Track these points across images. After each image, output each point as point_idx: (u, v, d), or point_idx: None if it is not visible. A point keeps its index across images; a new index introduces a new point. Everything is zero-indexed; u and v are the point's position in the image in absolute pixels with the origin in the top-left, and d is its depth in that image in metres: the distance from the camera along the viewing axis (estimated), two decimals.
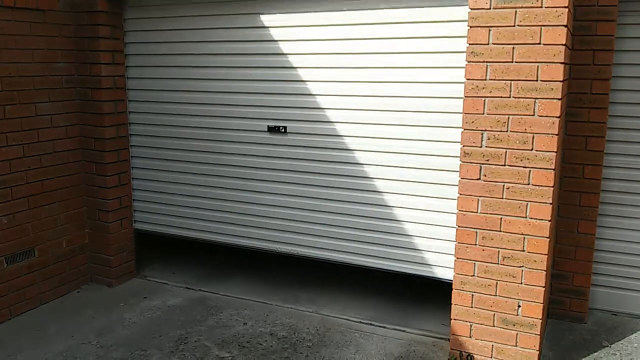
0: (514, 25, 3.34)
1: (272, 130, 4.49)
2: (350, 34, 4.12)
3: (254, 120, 4.57)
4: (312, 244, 4.55)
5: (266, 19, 4.35)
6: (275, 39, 4.36)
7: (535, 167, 3.43)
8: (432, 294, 4.78)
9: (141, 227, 5.24)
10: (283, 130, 4.44)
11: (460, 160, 3.61)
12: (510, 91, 3.41)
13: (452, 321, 3.85)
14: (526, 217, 3.50)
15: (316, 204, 4.48)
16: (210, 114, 4.72)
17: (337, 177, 4.37)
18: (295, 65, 4.34)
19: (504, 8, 3.35)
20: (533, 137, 3.40)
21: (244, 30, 4.45)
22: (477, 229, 3.64)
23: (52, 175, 4.67)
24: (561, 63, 3.28)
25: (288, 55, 4.35)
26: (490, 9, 3.38)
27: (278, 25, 4.33)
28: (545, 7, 3.25)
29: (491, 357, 3.75)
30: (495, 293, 3.67)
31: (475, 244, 3.66)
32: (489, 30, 3.40)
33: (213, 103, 4.69)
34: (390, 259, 4.31)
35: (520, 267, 3.57)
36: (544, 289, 3.55)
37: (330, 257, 4.51)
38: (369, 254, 4.38)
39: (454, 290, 3.80)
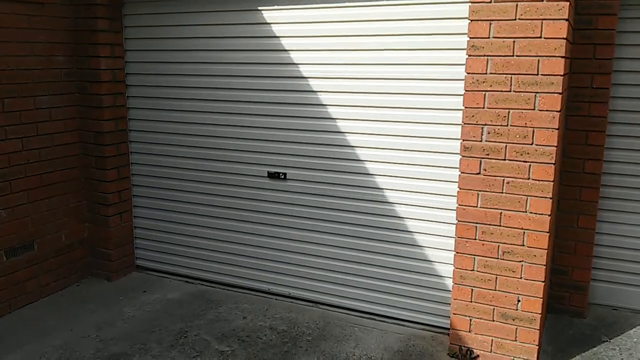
0: (515, 19, 3.32)
1: (272, 176, 4.54)
2: (358, 88, 4.17)
3: (254, 165, 4.62)
4: (308, 287, 4.62)
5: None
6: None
7: (536, 162, 3.42)
8: None
9: (141, 264, 5.30)
10: (283, 177, 4.49)
11: (460, 155, 3.60)
12: (511, 85, 3.40)
13: (451, 315, 3.85)
14: (526, 212, 3.50)
15: (313, 249, 4.54)
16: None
17: (335, 224, 4.42)
18: (298, 114, 4.38)
19: (505, 2, 3.33)
20: (533, 131, 3.39)
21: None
22: (476, 223, 3.63)
23: (51, 168, 4.67)
24: (562, 57, 3.26)
25: (291, 105, 4.40)
26: (491, 2, 3.36)
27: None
28: (547, 1, 3.24)
29: (490, 352, 3.75)
30: (495, 288, 3.67)
31: (475, 239, 3.65)
32: (490, 24, 3.38)
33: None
34: (388, 305, 4.35)
35: (520, 261, 3.57)
36: (543, 283, 3.55)
37: (326, 301, 4.56)
38: (365, 299, 4.42)
39: (453, 285, 3.79)
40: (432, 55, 3.87)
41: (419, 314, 4.25)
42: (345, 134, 4.25)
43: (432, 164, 4.01)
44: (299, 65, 4.30)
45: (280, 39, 4.32)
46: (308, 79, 4.29)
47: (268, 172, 4.58)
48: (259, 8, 4.34)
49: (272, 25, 4.33)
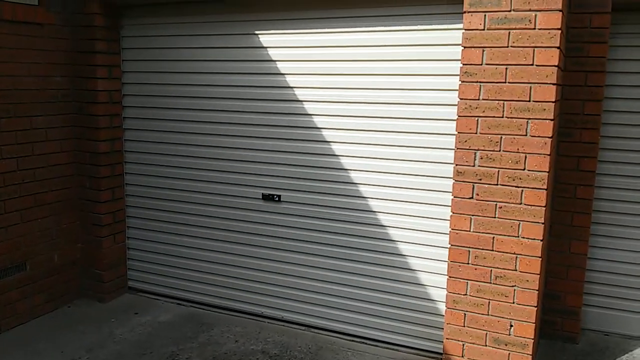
0: (507, 46, 3.38)
1: (266, 198, 4.55)
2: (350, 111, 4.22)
3: (248, 187, 4.64)
4: (302, 310, 4.60)
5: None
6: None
7: (528, 187, 3.45)
8: None
9: (133, 285, 5.27)
10: (277, 199, 4.51)
11: (453, 179, 3.63)
12: (503, 111, 3.44)
13: (444, 340, 3.83)
14: (518, 237, 3.51)
15: (306, 272, 4.54)
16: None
17: (329, 247, 4.43)
18: (292, 137, 4.42)
19: (498, 29, 3.39)
20: (525, 157, 3.42)
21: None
22: (469, 247, 3.65)
23: (45, 189, 4.66)
24: (553, 84, 3.31)
25: (286, 128, 4.43)
26: (484, 29, 3.42)
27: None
28: (538, 29, 3.30)
29: None
30: (488, 312, 3.66)
31: (468, 263, 3.66)
32: (483, 51, 3.44)
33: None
34: (381, 329, 4.33)
35: (512, 286, 3.57)
36: (536, 308, 3.56)
37: (320, 325, 4.54)
38: (359, 323, 4.40)
39: (446, 309, 3.79)
40: (426, 81, 3.92)
41: (412, 338, 4.23)
42: (340, 157, 4.28)
43: (424, 187, 4.03)
44: (295, 89, 4.34)
45: (277, 62, 4.37)
46: (303, 102, 4.33)
47: (262, 194, 4.59)
48: (256, 32, 4.39)
49: (268, 49, 4.38)
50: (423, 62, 3.91)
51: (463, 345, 3.76)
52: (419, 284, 4.15)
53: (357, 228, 4.30)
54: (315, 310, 4.54)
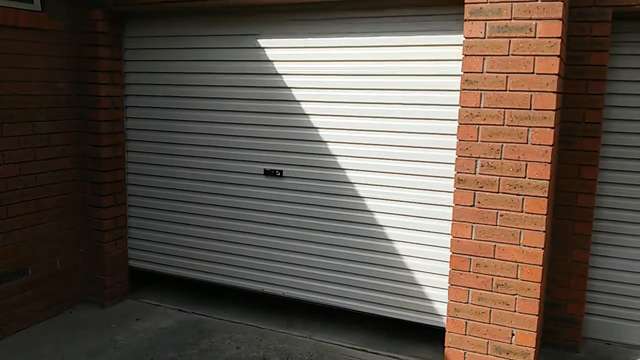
0: (508, 55, 3.39)
1: (268, 173, 4.55)
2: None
3: (250, 163, 4.63)
4: (303, 286, 4.58)
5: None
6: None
7: (529, 195, 3.45)
8: None
9: (134, 265, 5.26)
10: (279, 174, 4.50)
11: (455, 187, 3.64)
12: (504, 119, 3.45)
13: (445, 348, 3.83)
14: (520, 245, 3.51)
15: (309, 247, 4.52)
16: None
17: (332, 222, 4.41)
18: (293, 112, 4.41)
19: (498, 37, 3.40)
20: (526, 165, 3.43)
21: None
22: (471, 255, 3.64)
23: (47, 194, 4.68)
24: (554, 92, 3.32)
25: (286, 102, 4.43)
26: (484, 38, 3.43)
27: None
28: (539, 37, 3.31)
29: None
30: (489, 321, 3.66)
31: (469, 271, 3.66)
32: (484, 59, 3.45)
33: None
34: (382, 304, 4.32)
35: (514, 294, 3.57)
36: (537, 317, 3.55)
37: (320, 301, 4.53)
38: (360, 298, 4.39)
39: (447, 318, 3.79)
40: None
41: (412, 312, 4.24)
42: (343, 131, 4.27)
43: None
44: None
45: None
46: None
47: (264, 169, 4.58)
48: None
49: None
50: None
51: (464, 353, 3.76)
52: (416, 257, 4.16)
53: (361, 202, 4.27)
54: (318, 286, 4.51)
